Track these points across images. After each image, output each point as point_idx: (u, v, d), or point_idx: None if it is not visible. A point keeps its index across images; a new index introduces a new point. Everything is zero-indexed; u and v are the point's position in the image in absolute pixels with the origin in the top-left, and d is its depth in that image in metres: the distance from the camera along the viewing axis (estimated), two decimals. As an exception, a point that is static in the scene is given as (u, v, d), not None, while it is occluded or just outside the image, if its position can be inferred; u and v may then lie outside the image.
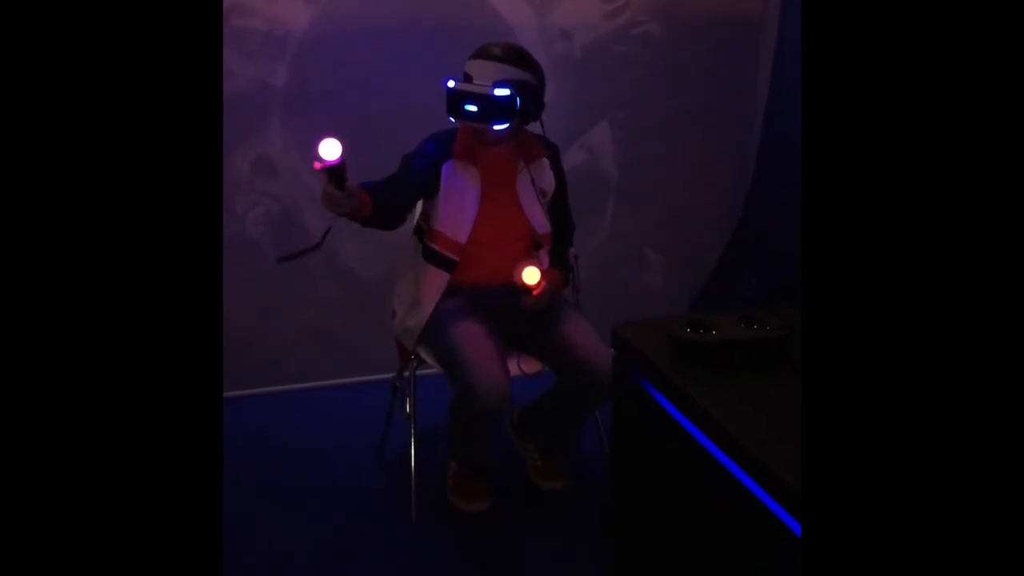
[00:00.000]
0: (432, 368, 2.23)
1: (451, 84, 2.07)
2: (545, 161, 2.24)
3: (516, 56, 2.10)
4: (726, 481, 1.32)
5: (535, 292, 2.08)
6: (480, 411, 2.04)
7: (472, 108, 2.05)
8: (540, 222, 2.22)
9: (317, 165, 1.73)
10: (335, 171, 1.73)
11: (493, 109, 2.05)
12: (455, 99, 2.06)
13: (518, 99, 2.06)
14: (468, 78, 2.08)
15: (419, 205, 2.27)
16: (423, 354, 2.23)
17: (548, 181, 2.25)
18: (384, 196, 1.98)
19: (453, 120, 2.10)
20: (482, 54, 2.09)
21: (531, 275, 2.05)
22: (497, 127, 2.10)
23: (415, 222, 2.30)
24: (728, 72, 3.14)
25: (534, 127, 2.21)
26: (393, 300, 2.32)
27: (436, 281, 2.18)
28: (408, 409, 2.31)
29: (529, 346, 2.23)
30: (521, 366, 2.20)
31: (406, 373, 2.31)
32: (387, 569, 2.13)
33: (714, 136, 3.18)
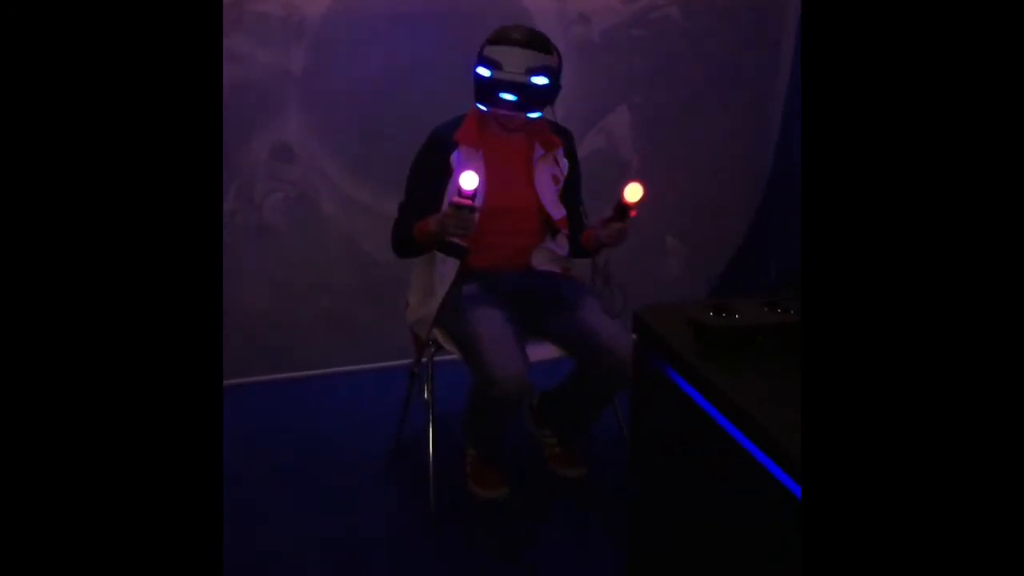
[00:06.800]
0: (450, 354, 2.22)
1: (484, 72, 2.03)
2: (560, 150, 2.23)
3: (541, 41, 2.06)
4: (748, 465, 1.30)
5: (632, 213, 2.01)
6: (499, 399, 2.03)
7: (510, 97, 2.02)
8: (554, 208, 2.20)
9: (462, 200, 1.90)
10: (473, 198, 1.92)
11: (532, 98, 2.04)
12: (490, 87, 2.03)
13: (552, 87, 2.04)
14: (494, 64, 2.02)
15: None
16: (441, 339, 2.22)
17: (561, 168, 2.24)
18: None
19: (484, 108, 2.07)
20: (505, 39, 2.04)
21: (634, 191, 1.97)
22: (531, 115, 2.08)
23: None
24: (748, 57, 3.10)
25: (545, 112, 2.18)
26: (408, 291, 2.32)
27: (448, 269, 2.16)
28: (426, 396, 2.30)
29: (547, 332, 2.21)
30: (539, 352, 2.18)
31: (424, 359, 2.30)
32: (404, 555, 2.13)
33: (734, 122, 3.14)
